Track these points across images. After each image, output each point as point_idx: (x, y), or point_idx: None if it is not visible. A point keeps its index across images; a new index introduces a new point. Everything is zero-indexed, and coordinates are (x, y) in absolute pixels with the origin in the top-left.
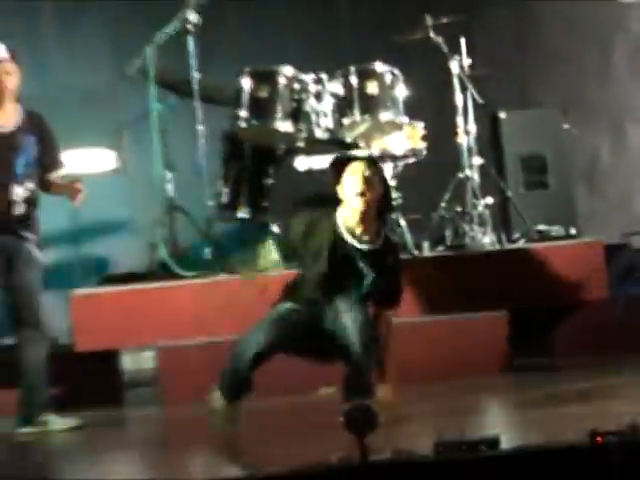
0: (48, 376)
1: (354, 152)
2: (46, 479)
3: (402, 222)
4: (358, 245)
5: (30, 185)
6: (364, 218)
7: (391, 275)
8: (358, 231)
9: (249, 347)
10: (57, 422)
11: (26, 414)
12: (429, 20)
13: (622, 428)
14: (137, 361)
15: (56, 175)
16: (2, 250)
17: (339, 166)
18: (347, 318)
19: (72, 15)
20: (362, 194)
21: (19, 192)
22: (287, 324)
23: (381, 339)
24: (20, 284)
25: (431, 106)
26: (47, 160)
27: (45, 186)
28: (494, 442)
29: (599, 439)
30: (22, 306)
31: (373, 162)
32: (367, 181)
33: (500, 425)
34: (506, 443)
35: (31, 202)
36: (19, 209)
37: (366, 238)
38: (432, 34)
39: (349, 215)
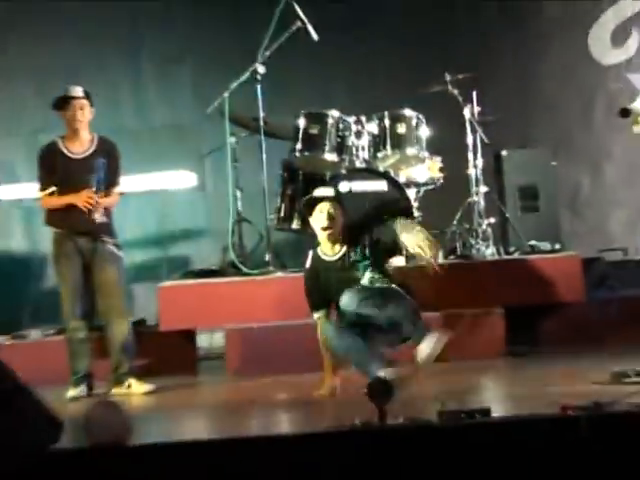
0: (133, 350)
1: (321, 193)
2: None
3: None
4: (327, 259)
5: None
6: (329, 242)
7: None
8: (326, 251)
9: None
10: (138, 386)
11: (114, 379)
12: (447, 76)
13: (588, 404)
14: (210, 340)
15: (115, 191)
16: (81, 251)
17: (310, 205)
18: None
19: (168, 65)
20: (327, 228)
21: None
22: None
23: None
24: (103, 278)
25: (447, 144)
26: (108, 179)
27: None
28: (486, 412)
29: (569, 412)
30: (107, 295)
31: (337, 200)
32: (330, 217)
33: (492, 399)
34: (496, 413)
35: (107, 212)
36: (98, 218)
37: (330, 254)
38: (450, 87)
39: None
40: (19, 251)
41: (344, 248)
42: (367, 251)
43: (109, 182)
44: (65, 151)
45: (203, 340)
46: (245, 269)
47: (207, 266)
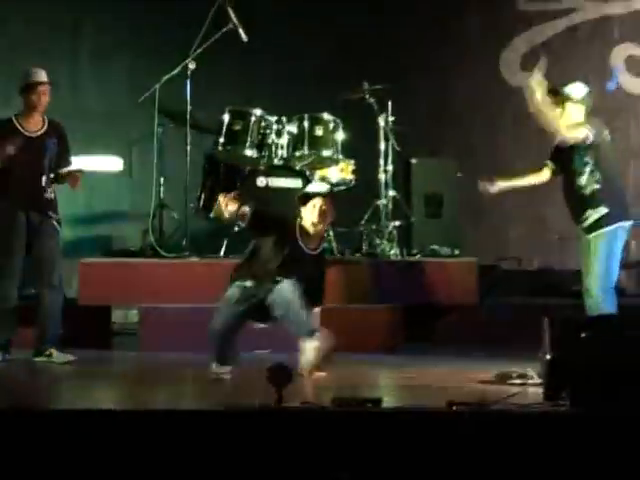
0: (60, 321)
1: (315, 189)
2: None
3: (331, 233)
4: (305, 250)
5: (52, 176)
6: (315, 236)
7: (320, 277)
8: (309, 243)
9: (218, 324)
10: (59, 356)
11: (39, 348)
12: (366, 85)
13: (473, 400)
14: (124, 316)
15: (66, 170)
16: (29, 224)
17: (304, 198)
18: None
19: (105, 53)
20: (317, 223)
21: (46, 181)
22: (241, 303)
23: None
24: (44, 250)
25: (361, 149)
26: (61, 158)
27: (55, 177)
28: (377, 401)
29: (454, 408)
30: (45, 267)
31: (330, 196)
32: (322, 213)
33: (385, 390)
34: (387, 403)
35: (53, 189)
36: (47, 194)
37: (311, 247)
38: (367, 96)
39: (306, 230)
40: None
41: (323, 246)
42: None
43: (62, 161)
44: (21, 129)
45: (118, 316)
46: (162, 252)
47: (127, 247)
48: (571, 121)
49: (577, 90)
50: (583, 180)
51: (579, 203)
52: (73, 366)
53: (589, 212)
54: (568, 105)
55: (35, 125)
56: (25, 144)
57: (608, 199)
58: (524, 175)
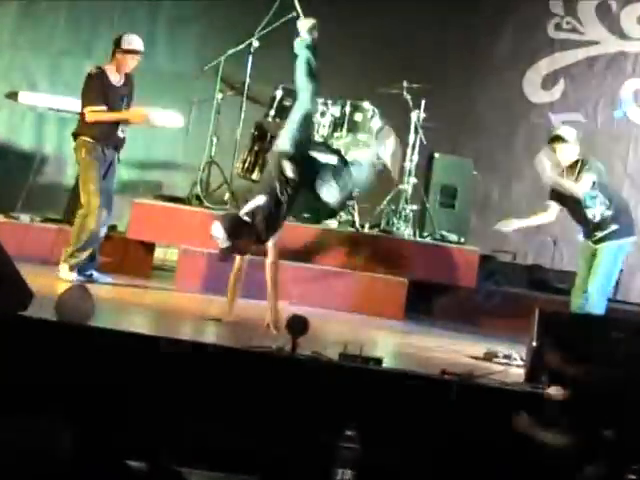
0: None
1: None
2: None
3: (355, 207)
4: None
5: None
6: None
7: None
8: None
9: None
10: (100, 277)
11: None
12: (405, 83)
13: (463, 372)
14: (165, 253)
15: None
16: (105, 159)
17: None
18: None
19: (181, 22)
20: None
21: (124, 126)
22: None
23: None
24: (110, 184)
25: None
26: (130, 103)
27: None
28: (378, 361)
29: (446, 376)
30: (107, 198)
31: None
32: None
33: (386, 352)
34: (386, 364)
35: (125, 131)
36: (122, 137)
37: None
38: (405, 92)
39: None
40: (25, 148)
41: None
42: None
43: (130, 105)
44: (110, 80)
45: (160, 253)
46: (207, 202)
47: (176, 194)
48: (568, 161)
49: (569, 133)
50: (593, 211)
51: (591, 228)
52: (113, 289)
53: (599, 232)
54: (562, 146)
55: (119, 77)
56: (112, 93)
57: (617, 218)
58: (535, 215)
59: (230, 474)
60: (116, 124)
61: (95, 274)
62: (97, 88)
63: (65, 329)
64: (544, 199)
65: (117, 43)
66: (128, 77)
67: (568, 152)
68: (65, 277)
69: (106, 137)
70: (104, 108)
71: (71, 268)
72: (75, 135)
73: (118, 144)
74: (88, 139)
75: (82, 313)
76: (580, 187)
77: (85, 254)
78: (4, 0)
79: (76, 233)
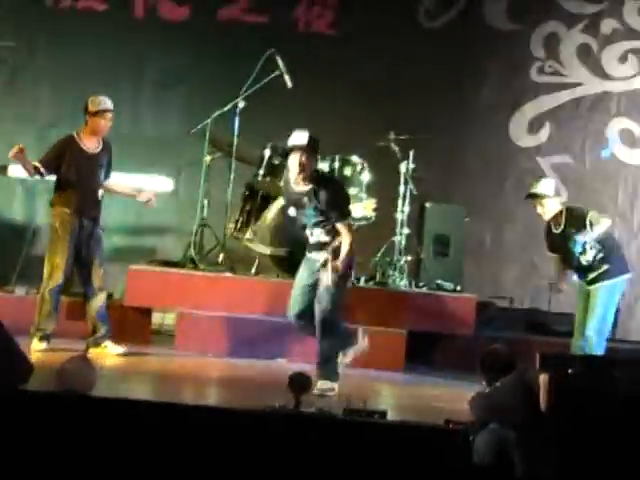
0: (107, 317)
1: (295, 141)
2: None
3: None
4: (296, 189)
5: (102, 190)
6: (300, 179)
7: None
8: (297, 184)
9: None
10: (113, 348)
11: (92, 341)
12: (392, 135)
13: (466, 420)
14: (163, 318)
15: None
16: (81, 230)
17: (287, 153)
18: None
19: (165, 88)
20: (298, 173)
21: (100, 194)
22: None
23: None
24: (92, 255)
25: (383, 190)
26: (108, 172)
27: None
28: (383, 414)
29: (451, 425)
30: (95, 269)
31: (308, 148)
32: (301, 165)
33: (389, 405)
34: (391, 416)
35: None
36: (99, 205)
37: (300, 187)
38: (392, 144)
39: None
40: (17, 220)
41: (311, 186)
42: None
43: (107, 174)
44: (82, 146)
45: (158, 317)
46: (201, 265)
47: (170, 258)
48: (552, 213)
49: (548, 186)
50: (586, 257)
51: (584, 271)
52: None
53: (592, 273)
54: (543, 202)
55: (94, 144)
56: (85, 160)
57: (609, 257)
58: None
59: None
60: (93, 196)
61: (109, 346)
62: (56, 149)
63: (67, 400)
64: (536, 241)
65: (85, 108)
66: (105, 143)
67: (550, 205)
68: (36, 348)
69: (83, 209)
70: (39, 166)
71: (39, 340)
72: (52, 204)
73: (97, 216)
74: (65, 209)
75: (84, 383)
76: (600, 227)
77: (47, 325)
78: None
79: (39, 305)
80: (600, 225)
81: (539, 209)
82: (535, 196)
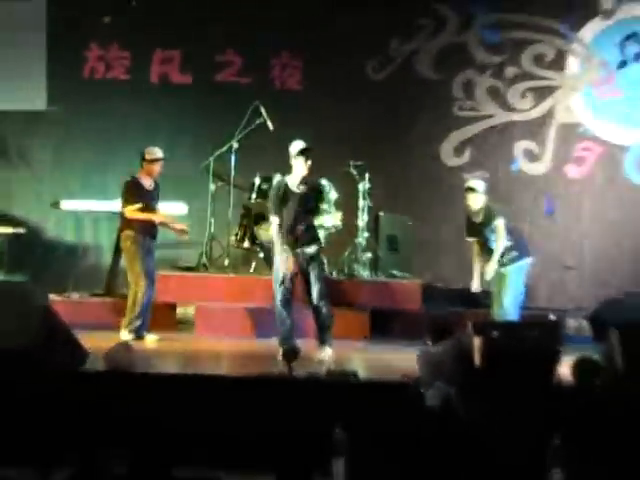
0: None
1: (304, 145)
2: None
3: (325, 260)
4: (293, 189)
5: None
6: (299, 181)
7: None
8: (294, 183)
9: None
10: (151, 337)
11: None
12: (351, 162)
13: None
14: (185, 310)
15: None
16: (145, 246)
17: (301, 153)
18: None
19: (176, 135)
20: (308, 174)
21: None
22: None
23: None
24: (151, 265)
25: (347, 205)
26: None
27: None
28: (355, 374)
29: (406, 379)
30: (152, 274)
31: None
32: (310, 167)
33: (358, 366)
34: (361, 375)
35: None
36: (156, 228)
37: (297, 186)
38: (352, 170)
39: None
40: (69, 242)
41: (306, 187)
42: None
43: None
44: (143, 184)
45: (180, 310)
46: (211, 269)
47: (188, 264)
48: (476, 207)
49: (479, 185)
50: (494, 242)
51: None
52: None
53: (503, 258)
54: (472, 196)
55: (150, 182)
56: (145, 195)
57: (516, 245)
58: (476, 262)
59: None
60: (151, 221)
61: (146, 335)
62: (132, 192)
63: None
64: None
65: (142, 156)
66: (156, 181)
67: (477, 200)
68: (125, 339)
69: (145, 230)
70: (139, 206)
71: (129, 332)
72: (120, 230)
73: (155, 234)
74: (131, 233)
75: (127, 363)
76: (501, 232)
77: (139, 321)
78: (43, 139)
79: (130, 306)
80: (498, 233)
81: (470, 200)
82: (470, 189)
